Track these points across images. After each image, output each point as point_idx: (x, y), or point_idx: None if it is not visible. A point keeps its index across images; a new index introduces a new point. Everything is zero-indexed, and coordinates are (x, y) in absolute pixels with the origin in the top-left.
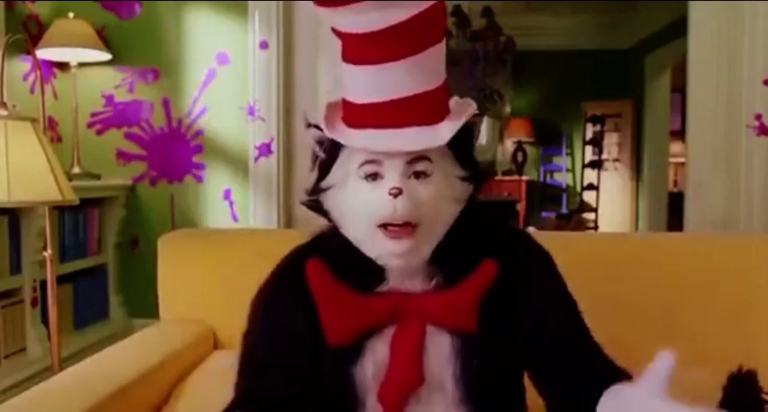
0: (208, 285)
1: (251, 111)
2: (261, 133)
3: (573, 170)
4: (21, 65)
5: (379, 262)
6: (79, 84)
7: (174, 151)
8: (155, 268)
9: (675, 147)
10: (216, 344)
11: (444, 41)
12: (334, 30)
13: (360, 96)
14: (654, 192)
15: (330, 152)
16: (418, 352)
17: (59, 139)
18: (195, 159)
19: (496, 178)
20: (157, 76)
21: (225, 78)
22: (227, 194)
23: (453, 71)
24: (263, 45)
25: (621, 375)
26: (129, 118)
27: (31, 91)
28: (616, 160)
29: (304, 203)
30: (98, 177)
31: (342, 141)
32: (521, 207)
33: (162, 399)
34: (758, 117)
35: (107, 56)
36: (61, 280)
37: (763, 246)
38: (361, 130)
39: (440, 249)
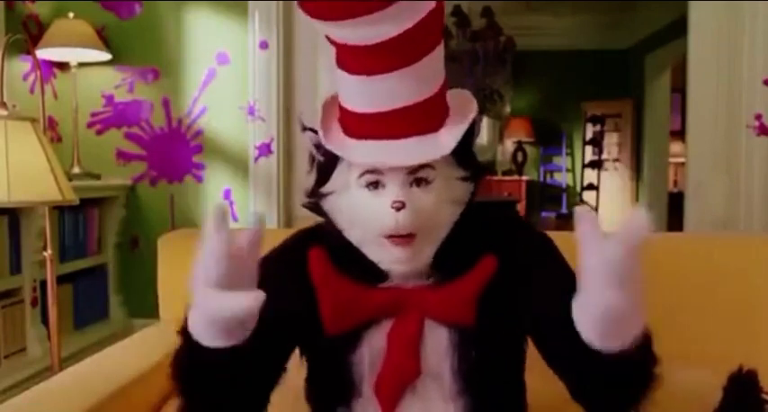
0: None
1: (251, 111)
2: (261, 133)
3: (573, 170)
4: (21, 65)
5: (382, 267)
6: (79, 84)
7: (174, 151)
8: (155, 268)
9: (675, 147)
10: None
11: (443, 42)
12: (328, 37)
13: (357, 105)
14: (654, 192)
15: (329, 156)
16: (416, 343)
17: (59, 139)
18: (195, 159)
19: (496, 178)
20: (157, 76)
21: (225, 78)
22: (227, 194)
23: (453, 71)
24: (263, 45)
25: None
26: (129, 118)
27: (31, 91)
28: (616, 160)
29: (304, 205)
30: (98, 177)
31: (341, 155)
32: (521, 207)
33: (162, 399)
34: (758, 117)
35: (107, 56)
36: (61, 280)
37: (763, 246)
38: (361, 141)
39: (440, 248)
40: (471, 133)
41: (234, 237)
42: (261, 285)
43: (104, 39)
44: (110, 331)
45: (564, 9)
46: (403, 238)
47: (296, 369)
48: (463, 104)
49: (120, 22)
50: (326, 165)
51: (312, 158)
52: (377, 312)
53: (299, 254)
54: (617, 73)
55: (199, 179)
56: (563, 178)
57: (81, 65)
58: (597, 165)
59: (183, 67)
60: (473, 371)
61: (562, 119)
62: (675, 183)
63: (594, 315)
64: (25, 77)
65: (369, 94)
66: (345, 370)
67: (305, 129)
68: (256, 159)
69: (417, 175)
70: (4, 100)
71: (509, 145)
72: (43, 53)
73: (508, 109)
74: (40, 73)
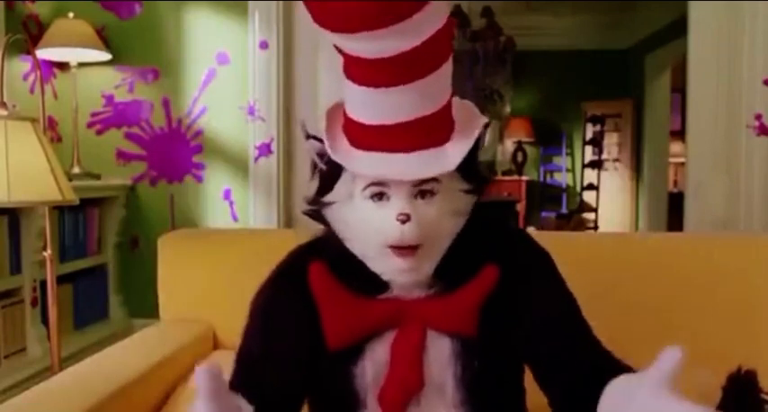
0: (208, 285)
1: (251, 111)
2: (261, 133)
3: (573, 170)
4: (21, 65)
5: (385, 277)
6: (79, 84)
7: (174, 151)
8: (155, 268)
9: (675, 147)
10: (216, 345)
11: (451, 59)
12: (335, 46)
13: (364, 117)
14: (654, 192)
15: (332, 165)
16: (419, 354)
17: (59, 139)
18: (195, 159)
19: (496, 178)
20: (157, 76)
21: (225, 78)
22: (227, 194)
23: (453, 71)
24: (263, 45)
25: (624, 371)
26: (129, 118)
27: (31, 91)
28: (616, 160)
29: (305, 213)
30: (98, 177)
31: (348, 167)
32: (521, 207)
33: (162, 399)
34: (758, 117)
35: (107, 56)
36: (61, 280)
37: (763, 246)
38: (367, 153)
39: (442, 258)
40: (476, 146)
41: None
42: (265, 315)
43: (104, 39)
44: (110, 331)
45: (564, 9)
46: (407, 249)
47: None
48: (469, 118)
49: (120, 22)
50: (330, 174)
51: (314, 166)
52: (379, 324)
53: (298, 270)
54: (617, 73)
55: (199, 179)
56: (563, 178)
57: (81, 65)
58: (597, 165)
59: (183, 67)
60: (475, 381)
61: (562, 119)
62: (675, 183)
63: None
64: (25, 77)
65: (374, 105)
66: (349, 382)
67: (308, 137)
68: (256, 159)
69: (422, 188)
70: (4, 100)
71: (509, 145)
72: (43, 53)
73: (508, 109)
74: (40, 73)
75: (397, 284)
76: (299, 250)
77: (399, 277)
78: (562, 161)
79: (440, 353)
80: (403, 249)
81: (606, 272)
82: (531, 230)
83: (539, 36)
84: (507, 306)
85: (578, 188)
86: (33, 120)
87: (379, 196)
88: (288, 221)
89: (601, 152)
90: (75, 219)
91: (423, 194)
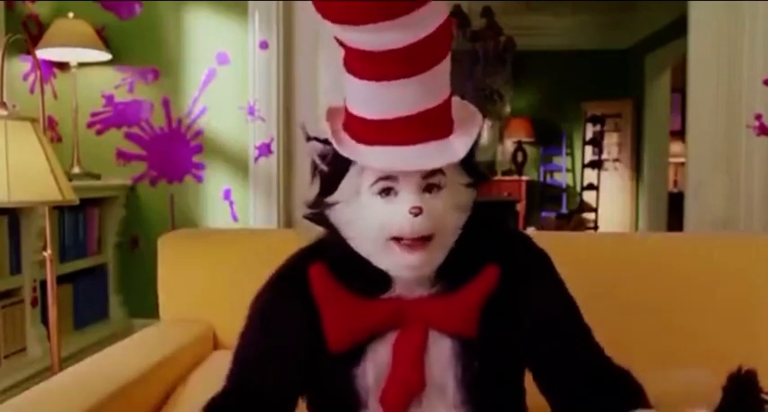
0: (208, 285)
1: (251, 111)
2: (261, 133)
3: (573, 170)
4: (21, 65)
5: (392, 273)
6: (79, 84)
7: (174, 151)
8: (155, 268)
9: (675, 147)
10: (216, 345)
11: (450, 56)
12: (337, 40)
13: (367, 111)
14: (654, 192)
15: (336, 165)
16: (420, 355)
17: (59, 139)
18: (195, 159)
19: (496, 178)
20: (157, 76)
21: (225, 78)
22: (227, 194)
23: (453, 71)
24: (263, 45)
25: (621, 376)
26: (129, 118)
27: (31, 91)
28: (616, 160)
29: (306, 217)
30: (98, 177)
31: (357, 160)
32: (521, 207)
33: (162, 399)
34: (758, 117)
35: (107, 56)
36: (61, 280)
37: (764, 246)
38: (373, 147)
39: (444, 258)
40: (476, 140)
41: None
42: (265, 317)
43: (104, 39)
44: (110, 331)
45: (564, 9)
46: (416, 241)
47: None
48: (467, 115)
49: (120, 22)
50: (334, 173)
51: (314, 168)
52: (381, 325)
53: (298, 274)
54: (617, 73)
55: (199, 179)
56: (563, 178)
57: (81, 65)
58: (597, 165)
59: (183, 67)
60: (476, 381)
61: (562, 119)
62: (675, 183)
63: None
64: (25, 77)
65: (377, 99)
66: (350, 383)
67: (309, 139)
68: (256, 159)
69: (430, 181)
70: (4, 100)
71: (509, 145)
72: (43, 53)
73: (508, 109)
74: (40, 73)
75: (402, 281)
76: (299, 253)
77: (408, 273)
78: (562, 161)
79: (441, 354)
80: (412, 243)
81: (606, 272)
82: (530, 230)
83: (539, 36)
84: (507, 307)
85: (578, 188)
86: (33, 120)
87: (387, 191)
88: (288, 221)
89: (601, 152)
90: (75, 219)
91: (429, 188)
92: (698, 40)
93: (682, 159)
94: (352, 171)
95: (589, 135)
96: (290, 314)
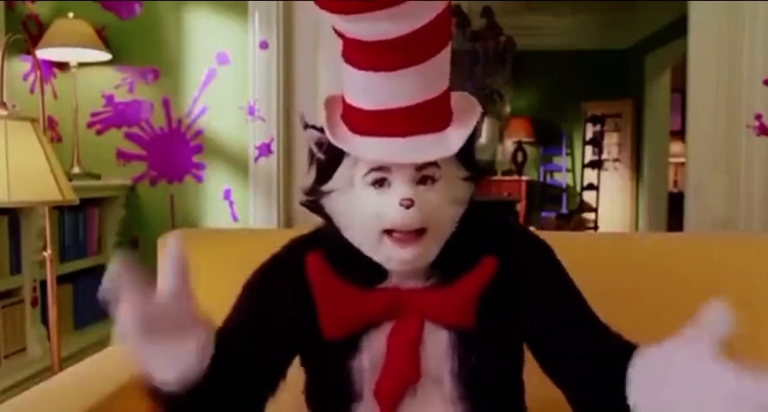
0: (207, 285)
1: (251, 111)
2: (261, 133)
3: (573, 170)
4: (21, 65)
5: (386, 266)
6: (79, 84)
7: (174, 151)
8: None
9: (675, 147)
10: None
11: (449, 46)
12: (335, 29)
13: (364, 102)
14: (654, 192)
15: (331, 154)
16: (416, 347)
17: (59, 139)
18: (195, 159)
19: (496, 178)
20: (157, 76)
21: (225, 78)
22: (227, 194)
23: (453, 71)
24: (263, 45)
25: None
26: (129, 118)
27: (31, 91)
28: (616, 160)
29: (303, 204)
30: (98, 177)
31: (351, 151)
32: (521, 207)
33: None
34: (758, 117)
35: (107, 56)
36: (61, 280)
37: (764, 246)
38: (369, 138)
39: (442, 249)
40: (474, 134)
41: (148, 287)
42: (257, 294)
43: (104, 39)
44: (110, 331)
45: (564, 9)
46: (407, 235)
47: (296, 374)
48: (467, 107)
49: (120, 22)
50: (329, 162)
51: (311, 156)
52: (376, 315)
53: (295, 260)
54: (617, 73)
55: (199, 179)
56: (563, 178)
57: (81, 65)
58: (597, 165)
59: (183, 67)
60: (473, 374)
61: (562, 119)
62: (675, 183)
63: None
64: (25, 77)
65: (375, 90)
66: (345, 374)
67: (307, 126)
68: (256, 159)
69: (424, 173)
70: (4, 100)
71: (509, 145)
72: (43, 53)
73: (508, 109)
74: (40, 73)
75: (396, 273)
76: (296, 241)
77: (401, 266)
78: (562, 161)
79: (437, 346)
80: (404, 237)
81: (606, 272)
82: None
83: (539, 36)
84: (506, 299)
85: (578, 188)
86: (33, 120)
87: (380, 183)
88: (288, 221)
89: (601, 152)
90: (75, 219)
91: (423, 180)
92: (698, 40)
93: (682, 159)
94: (347, 160)
95: (589, 135)
96: (282, 295)
